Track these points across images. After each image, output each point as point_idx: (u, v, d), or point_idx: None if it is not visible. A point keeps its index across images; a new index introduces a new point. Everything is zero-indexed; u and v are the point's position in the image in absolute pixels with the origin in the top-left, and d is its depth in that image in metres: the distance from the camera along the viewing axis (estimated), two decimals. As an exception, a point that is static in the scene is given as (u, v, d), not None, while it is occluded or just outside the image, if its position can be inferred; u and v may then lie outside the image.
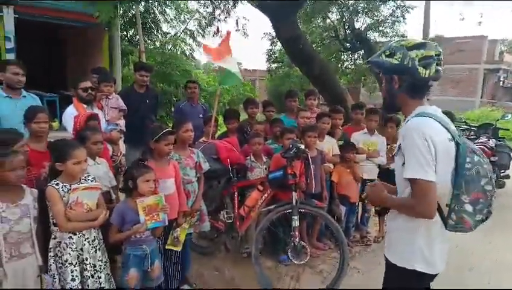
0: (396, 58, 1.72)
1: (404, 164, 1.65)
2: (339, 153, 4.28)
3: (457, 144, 1.62)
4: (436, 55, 1.69)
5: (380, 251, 4.20)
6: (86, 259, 2.37)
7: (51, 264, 2.33)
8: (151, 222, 2.53)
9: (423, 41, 1.76)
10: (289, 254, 3.34)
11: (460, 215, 1.61)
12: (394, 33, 9.63)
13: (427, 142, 1.58)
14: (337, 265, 3.34)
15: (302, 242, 3.39)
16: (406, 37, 8.92)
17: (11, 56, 6.74)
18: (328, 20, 10.40)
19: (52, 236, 2.36)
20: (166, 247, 2.99)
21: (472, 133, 7.75)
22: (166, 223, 2.67)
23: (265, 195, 3.64)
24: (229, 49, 4.28)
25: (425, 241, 1.69)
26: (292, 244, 3.31)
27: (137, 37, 9.28)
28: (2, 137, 2.52)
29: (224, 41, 4.34)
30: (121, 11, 8.44)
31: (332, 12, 9.78)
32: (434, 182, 1.57)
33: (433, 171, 1.58)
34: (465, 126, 8.17)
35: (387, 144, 4.44)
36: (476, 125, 8.55)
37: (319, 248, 4.16)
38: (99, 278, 2.42)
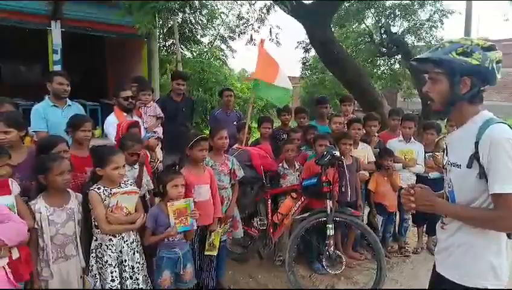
0: (475, 59, 1.52)
1: (482, 175, 1.51)
2: (374, 160, 4.17)
3: None
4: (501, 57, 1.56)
5: (419, 263, 4.04)
6: (125, 261, 2.45)
7: (92, 265, 2.44)
8: (180, 225, 2.60)
9: (492, 42, 1.59)
10: (324, 263, 3.29)
11: None
12: (431, 38, 9.25)
13: None
14: (374, 276, 3.25)
15: (337, 251, 3.33)
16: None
17: (57, 68, 7.15)
18: (362, 25, 10.21)
19: (94, 238, 2.48)
20: (206, 253, 3.02)
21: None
22: (195, 228, 2.72)
23: (299, 202, 3.61)
24: (273, 62, 4.26)
25: (495, 256, 1.57)
26: (327, 253, 3.26)
27: (175, 47, 9.55)
28: (48, 142, 2.68)
29: (262, 54, 4.31)
30: (160, 22, 8.71)
31: (368, 17, 9.59)
32: None
33: None
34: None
35: (429, 152, 4.27)
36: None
37: (354, 257, 4.05)
38: (137, 279, 2.50)
